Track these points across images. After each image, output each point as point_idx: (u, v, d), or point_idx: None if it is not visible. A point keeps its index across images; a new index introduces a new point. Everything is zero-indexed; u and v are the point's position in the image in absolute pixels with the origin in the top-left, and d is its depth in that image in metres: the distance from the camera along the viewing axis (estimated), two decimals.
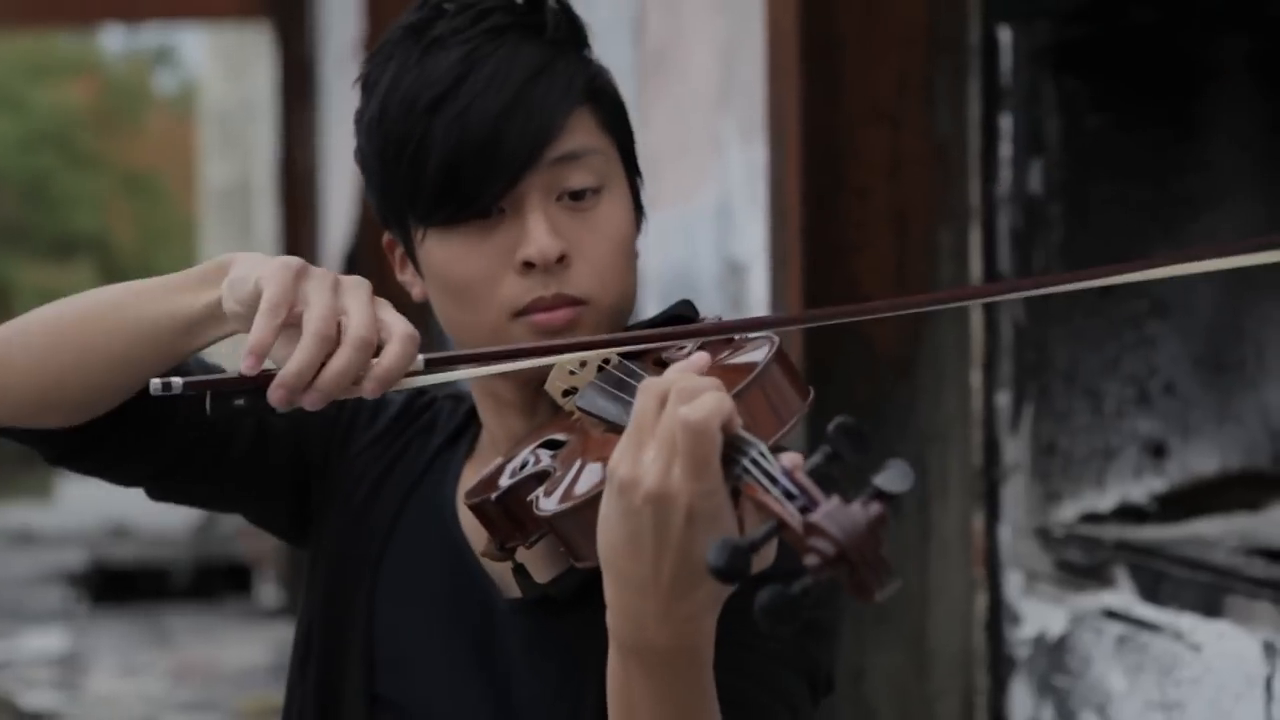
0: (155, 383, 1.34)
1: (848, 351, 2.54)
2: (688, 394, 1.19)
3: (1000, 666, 2.54)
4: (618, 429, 1.30)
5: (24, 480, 21.20)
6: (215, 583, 9.34)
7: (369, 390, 1.32)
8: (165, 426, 1.55)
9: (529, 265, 1.43)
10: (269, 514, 1.66)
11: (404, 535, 1.55)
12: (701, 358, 1.26)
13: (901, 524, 2.56)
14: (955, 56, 2.52)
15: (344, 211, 7.24)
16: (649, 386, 1.21)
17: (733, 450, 1.19)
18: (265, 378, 1.32)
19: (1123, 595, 2.29)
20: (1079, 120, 2.47)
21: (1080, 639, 2.37)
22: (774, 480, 1.15)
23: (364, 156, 1.50)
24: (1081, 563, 2.39)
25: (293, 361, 1.31)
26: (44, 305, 1.51)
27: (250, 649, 7.84)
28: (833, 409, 2.53)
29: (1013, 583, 2.52)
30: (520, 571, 1.43)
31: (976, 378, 2.54)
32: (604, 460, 1.27)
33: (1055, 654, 2.42)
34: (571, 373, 1.41)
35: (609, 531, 1.21)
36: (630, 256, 1.48)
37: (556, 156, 1.44)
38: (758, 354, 1.33)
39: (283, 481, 1.61)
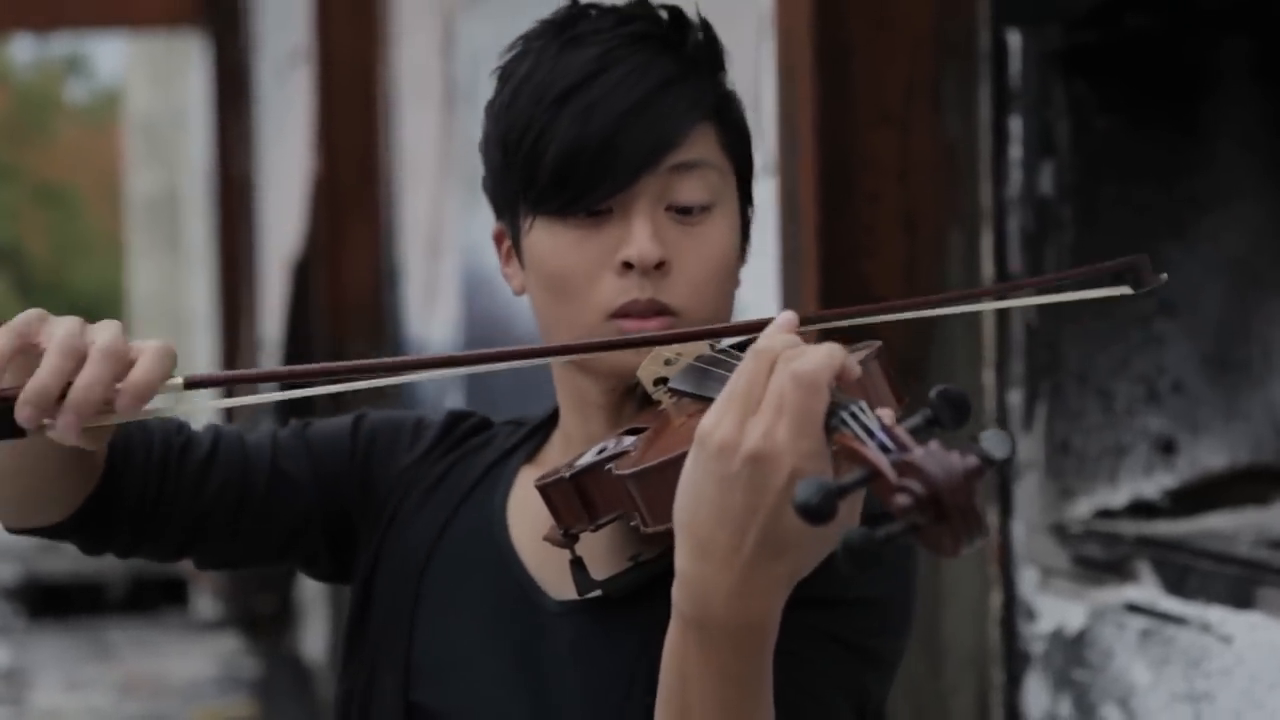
0: None
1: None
2: (796, 352, 1.21)
3: (1015, 662, 2.57)
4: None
5: None
6: (152, 595, 9.28)
7: (124, 405, 1.29)
8: (168, 501, 1.57)
9: (628, 266, 1.45)
10: (314, 562, 1.66)
11: (449, 546, 1.56)
12: (790, 315, 1.27)
13: None
14: (965, 61, 2.56)
15: (288, 221, 7.20)
16: (759, 349, 1.22)
17: (833, 405, 1.19)
18: (9, 399, 1.29)
19: (1146, 589, 2.33)
20: (1088, 122, 2.51)
21: (1100, 633, 2.41)
22: (870, 433, 1.14)
23: (487, 142, 1.52)
24: (1100, 558, 2.43)
25: (37, 374, 1.28)
26: None
27: (194, 661, 7.79)
28: None
29: (1027, 579, 2.56)
30: (578, 565, 1.43)
31: (989, 377, 2.57)
32: (691, 433, 1.27)
33: (1073, 648, 2.46)
34: (667, 362, 1.42)
35: (694, 496, 1.21)
36: (728, 278, 1.49)
37: (674, 164, 1.46)
38: (861, 353, 1.35)
39: (315, 525, 1.63)
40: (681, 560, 1.23)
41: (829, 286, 2.56)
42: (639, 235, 1.45)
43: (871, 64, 2.56)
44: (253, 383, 1.39)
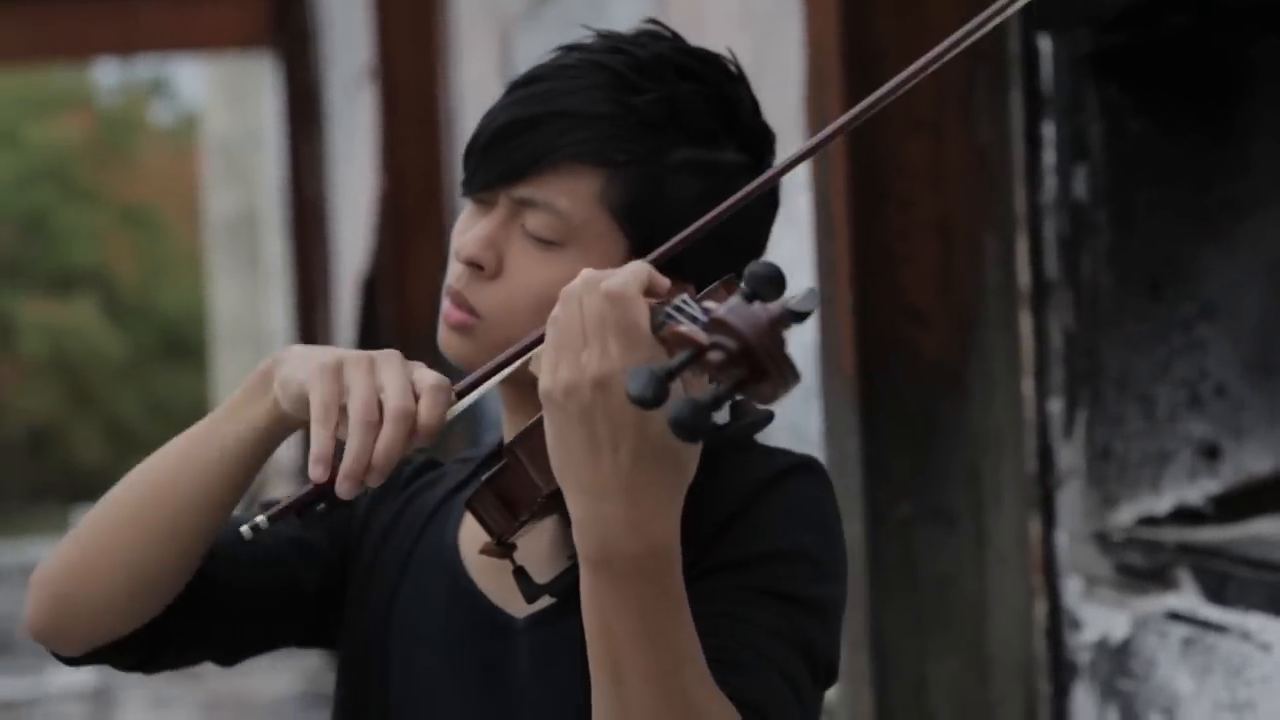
0: (245, 530, 1.41)
1: (896, 362, 2.55)
2: (601, 277, 1.27)
3: (1062, 672, 2.54)
4: None
5: (40, 516, 21.18)
6: None
7: (422, 441, 1.38)
8: (221, 599, 1.58)
9: (457, 255, 1.51)
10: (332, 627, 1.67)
11: (410, 580, 1.58)
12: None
13: (958, 532, 2.57)
14: (996, 66, 2.54)
15: (358, 239, 7.25)
16: (569, 292, 1.28)
17: (657, 309, 1.25)
18: (331, 482, 1.38)
19: (1187, 597, 2.30)
20: (1121, 126, 2.48)
21: (1144, 642, 2.38)
22: (694, 318, 1.20)
23: None
24: (1142, 566, 2.40)
25: (348, 455, 1.36)
26: (109, 494, 1.53)
27: (278, 680, 7.84)
28: (883, 420, 2.56)
29: (1071, 588, 2.53)
30: (521, 575, 1.45)
31: (1028, 385, 2.55)
32: None
33: (1118, 658, 2.43)
34: None
35: (561, 444, 1.27)
36: (548, 314, 1.45)
37: (517, 196, 1.48)
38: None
39: (337, 583, 1.64)
40: (573, 507, 1.28)
41: (864, 295, 2.54)
42: (471, 232, 1.50)
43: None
44: (498, 371, 1.43)
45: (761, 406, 1.24)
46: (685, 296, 1.24)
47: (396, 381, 1.37)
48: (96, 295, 23.13)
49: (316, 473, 1.37)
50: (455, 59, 5.99)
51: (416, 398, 1.37)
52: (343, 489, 1.36)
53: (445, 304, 1.51)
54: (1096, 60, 2.48)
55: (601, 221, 1.48)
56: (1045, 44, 2.50)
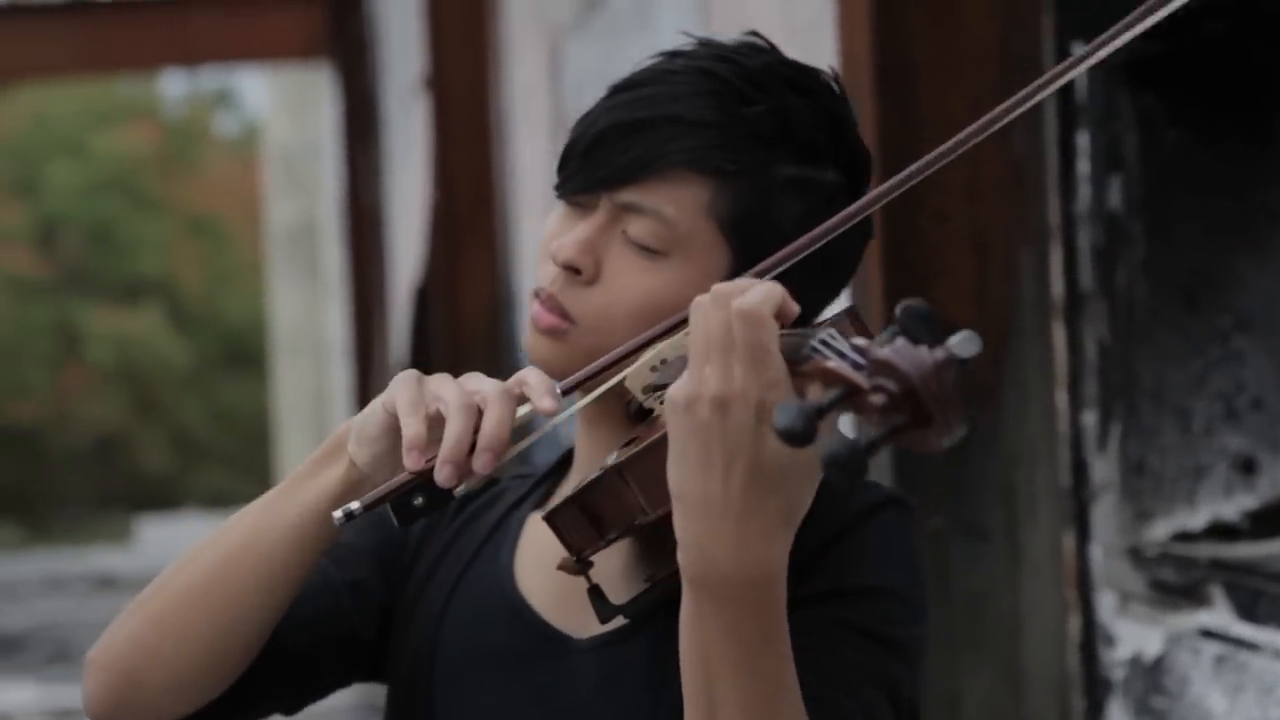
0: (336, 514, 1.36)
1: None
2: (733, 292, 1.23)
3: (1096, 689, 2.52)
4: None
5: (103, 523, 21.36)
6: None
7: (549, 405, 1.35)
8: (292, 654, 1.53)
9: (554, 258, 1.47)
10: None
11: (459, 609, 1.55)
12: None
13: (992, 546, 2.55)
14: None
15: (412, 247, 7.27)
16: (698, 304, 1.25)
17: (798, 338, 1.22)
18: (429, 469, 1.35)
19: (1219, 614, 2.27)
20: (1157, 136, 2.46)
21: (1177, 659, 2.35)
22: (842, 355, 1.16)
23: None
24: (1175, 582, 2.37)
25: (449, 435, 1.34)
26: (177, 566, 1.49)
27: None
28: None
29: (1106, 604, 2.50)
30: (595, 593, 1.42)
31: (1062, 398, 2.52)
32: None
33: (1152, 675, 2.40)
34: (653, 369, 1.41)
35: (678, 460, 1.24)
36: (647, 325, 1.43)
37: (625, 200, 1.45)
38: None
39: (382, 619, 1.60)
40: (681, 526, 1.25)
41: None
42: (569, 235, 1.46)
43: (936, 82, 2.53)
44: (606, 371, 1.41)
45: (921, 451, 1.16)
46: (832, 331, 1.20)
47: (491, 380, 1.37)
48: (162, 304, 23.30)
49: (411, 459, 1.34)
50: (506, 68, 6.00)
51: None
52: (443, 474, 1.33)
53: (535, 307, 1.47)
54: (1131, 69, 2.46)
55: (707, 232, 1.44)
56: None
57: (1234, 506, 2.50)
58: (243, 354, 22.12)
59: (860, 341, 1.17)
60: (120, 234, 23.21)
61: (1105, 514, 2.50)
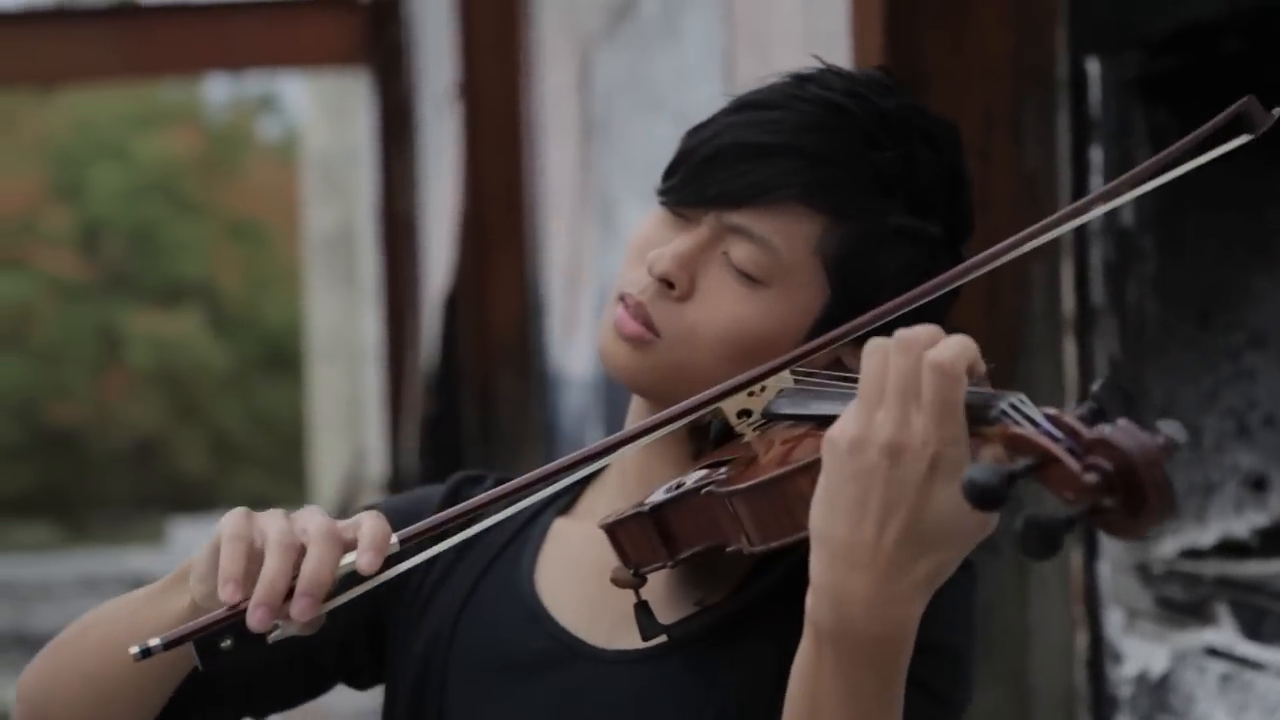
0: (133, 650, 1.30)
1: None
2: (922, 342, 1.19)
3: (1103, 706, 2.50)
4: (822, 422, 1.28)
5: (136, 525, 21.45)
6: None
7: (366, 563, 1.29)
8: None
9: (651, 268, 1.43)
10: (358, 674, 1.60)
11: (476, 612, 1.52)
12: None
13: (1000, 561, 2.54)
14: (1043, 89, 2.50)
15: (443, 254, 7.28)
16: (877, 346, 1.20)
17: (986, 399, 1.17)
18: (244, 611, 1.28)
19: (1224, 633, 2.26)
20: None
21: (1183, 678, 2.34)
22: (1035, 423, 1.12)
23: None
24: (1182, 600, 2.36)
25: (263, 574, 1.28)
26: (78, 628, 1.48)
27: (357, 694, 7.87)
28: None
29: (1113, 620, 2.49)
30: (643, 609, 1.39)
31: None
32: (793, 458, 1.25)
33: (1158, 693, 2.39)
34: (751, 394, 1.38)
35: (831, 501, 1.19)
36: (735, 352, 1.41)
37: (735, 223, 1.41)
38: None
39: (360, 637, 1.58)
40: (819, 570, 1.21)
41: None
42: (669, 247, 1.42)
43: (948, 94, 2.52)
44: (460, 518, 1.36)
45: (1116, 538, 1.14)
46: (1022, 396, 1.16)
47: (323, 516, 1.31)
48: (202, 308, 23.40)
49: (226, 592, 1.29)
50: (536, 76, 6.01)
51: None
52: (255, 617, 1.27)
53: (618, 311, 1.43)
54: (1145, 84, 2.44)
55: (810, 269, 1.41)
56: (1094, 67, 2.47)
57: (1244, 524, 2.48)
58: (281, 358, 22.20)
59: (1053, 412, 1.13)
60: (162, 238, 23.31)
61: None
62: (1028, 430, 1.12)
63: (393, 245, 9.13)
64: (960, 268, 1.39)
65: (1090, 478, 1.05)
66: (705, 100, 3.76)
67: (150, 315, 23.23)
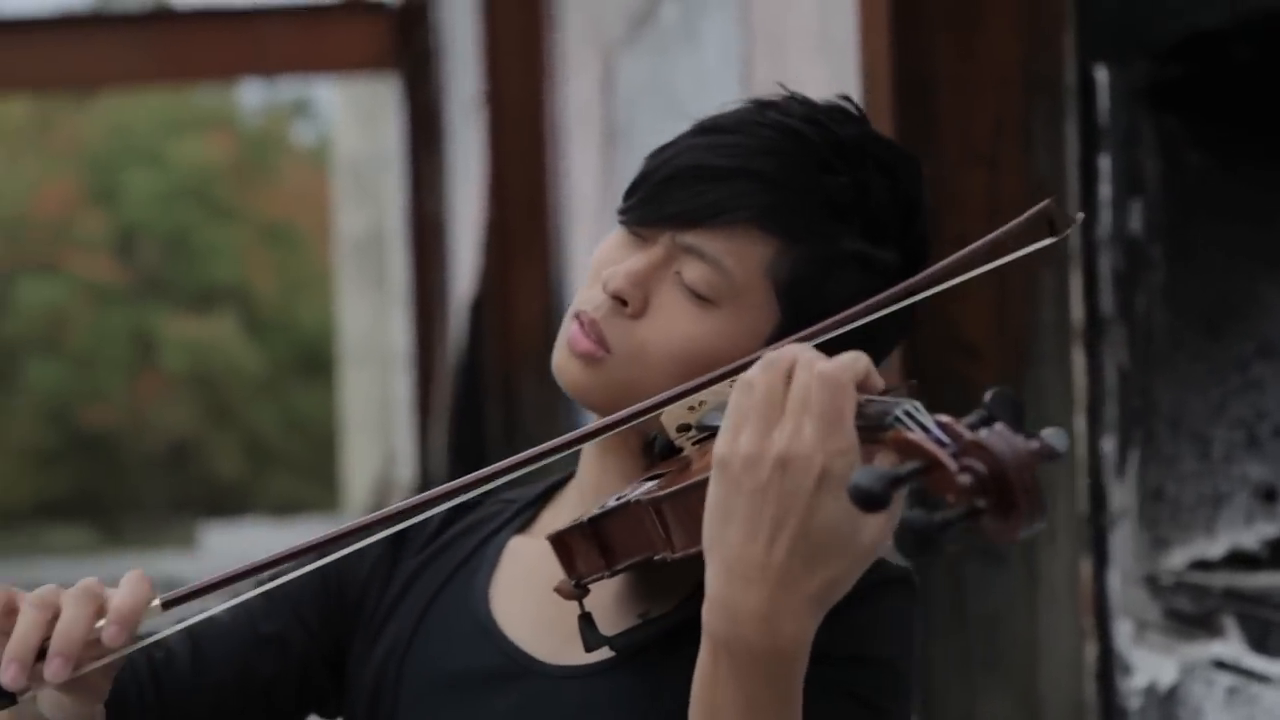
0: None
1: (948, 396, 2.50)
2: (816, 357, 1.21)
3: (1112, 717, 2.48)
4: None
5: (168, 529, 21.53)
6: None
7: (111, 635, 1.27)
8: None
9: (605, 285, 1.44)
10: (324, 700, 1.60)
11: (430, 630, 1.53)
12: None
13: (1008, 571, 2.53)
14: (1052, 97, 2.49)
15: (469, 259, 7.29)
16: (775, 359, 1.22)
17: (881, 405, 1.19)
18: None
19: (1232, 645, 2.24)
20: (1179, 160, 2.43)
21: (1191, 690, 2.32)
22: (926, 429, 1.14)
23: None
24: (1190, 611, 2.34)
25: (15, 631, 1.26)
26: None
27: None
28: None
29: (1123, 631, 2.47)
30: (586, 620, 1.41)
31: (1080, 423, 2.50)
32: (707, 465, 1.26)
33: (1166, 705, 2.37)
34: (690, 409, 1.39)
35: (723, 516, 1.21)
36: (683, 371, 1.42)
37: (688, 243, 1.42)
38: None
39: (316, 668, 1.57)
40: (712, 583, 1.22)
41: (915, 330, 2.50)
42: (624, 265, 1.44)
43: (957, 101, 2.51)
44: (227, 584, 1.35)
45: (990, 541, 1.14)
46: (916, 403, 1.18)
47: (86, 582, 1.30)
48: (236, 311, 23.48)
49: None
50: (560, 84, 6.01)
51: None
52: (7, 675, 1.25)
53: (573, 328, 1.44)
54: (1154, 92, 2.43)
55: (761, 291, 1.43)
56: (1102, 75, 2.45)
57: (1254, 535, 2.46)
58: (315, 362, 22.27)
59: (945, 419, 1.15)
60: (196, 242, 23.40)
61: (1123, 541, 2.47)
62: (917, 436, 1.13)
63: (422, 249, 9.15)
64: (897, 289, 1.40)
65: (964, 479, 1.07)
66: (724, 106, 3.76)
67: (184, 319, 23.32)
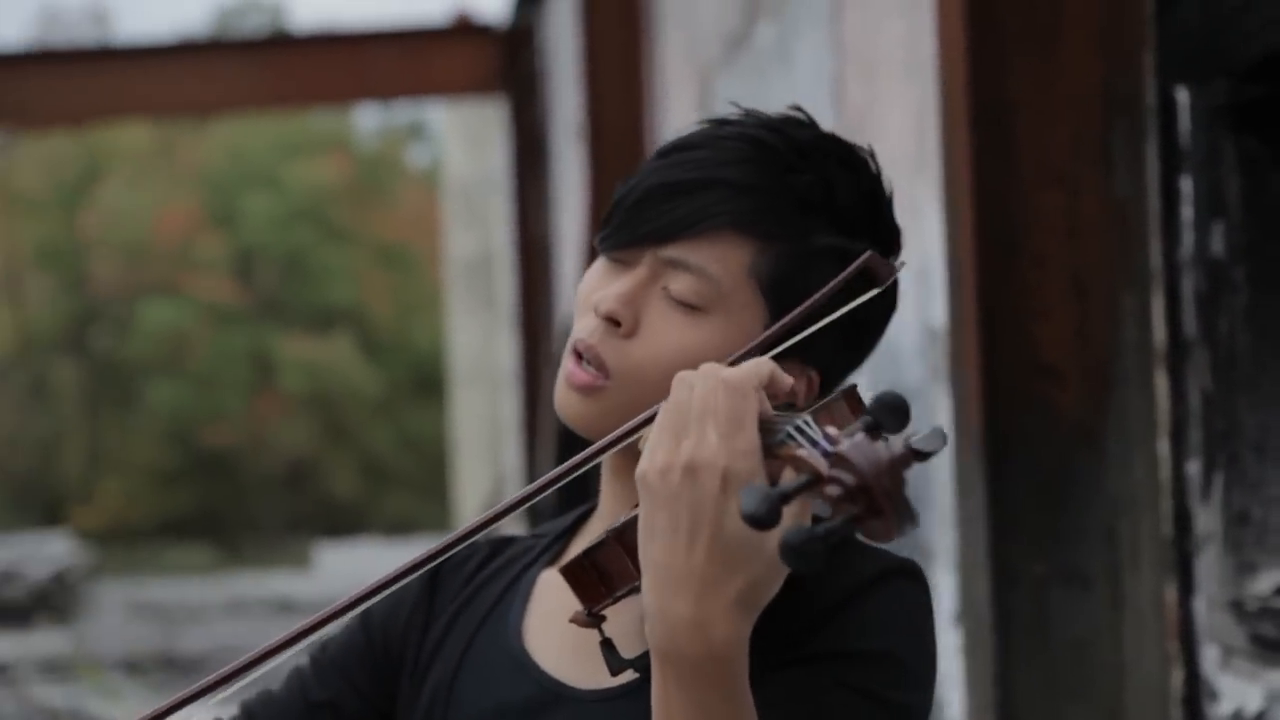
0: None
1: (1029, 421, 2.49)
2: (720, 367, 1.28)
3: None
4: None
5: (284, 549, 21.74)
6: None
7: None
8: None
9: (596, 309, 1.49)
10: None
11: (470, 665, 1.57)
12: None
13: (1093, 596, 2.50)
14: (1132, 117, 2.47)
15: (574, 280, 7.33)
16: (681, 376, 1.29)
17: (776, 421, 1.25)
18: None
19: None
20: (1261, 181, 2.40)
21: (1276, 716, 2.29)
22: (814, 442, 1.19)
23: None
24: (1274, 636, 2.31)
25: None
26: None
27: None
28: (1015, 479, 2.50)
29: (1209, 657, 2.44)
30: (607, 646, 1.44)
31: (1164, 446, 2.47)
32: None
33: None
34: None
35: (648, 531, 1.26)
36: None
37: (669, 256, 1.47)
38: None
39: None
40: (647, 596, 1.27)
41: (995, 352, 2.50)
42: (611, 287, 1.48)
43: (1035, 122, 2.49)
44: (181, 706, 1.39)
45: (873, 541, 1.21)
46: (807, 417, 1.23)
47: None
48: (352, 332, 23.71)
49: None
50: (659, 105, 6.02)
51: None
52: None
53: (569, 364, 1.49)
54: (1235, 112, 2.40)
55: (747, 292, 1.47)
56: (1183, 95, 2.43)
57: None
58: (429, 382, 22.46)
59: (833, 431, 1.20)
60: (313, 264, 23.67)
61: (1208, 565, 2.44)
62: (805, 451, 1.19)
63: (528, 271, 9.19)
64: (824, 291, 1.43)
65: (832, 490, 1.13)
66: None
67: (301, 340, 23.58)
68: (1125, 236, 2.47)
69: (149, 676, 10.78)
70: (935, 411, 2.95)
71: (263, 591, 14.12)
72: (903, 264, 1.49)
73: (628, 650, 1.45)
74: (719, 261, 1.46)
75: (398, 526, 20.02)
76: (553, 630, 1.54)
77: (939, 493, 2.93)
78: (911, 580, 1.45)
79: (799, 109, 1.55)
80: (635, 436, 1.40)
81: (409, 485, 23.07)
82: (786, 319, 1.43)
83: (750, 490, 1.13)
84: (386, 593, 1.39)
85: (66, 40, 22.83)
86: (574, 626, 1.46)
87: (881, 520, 1.12)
